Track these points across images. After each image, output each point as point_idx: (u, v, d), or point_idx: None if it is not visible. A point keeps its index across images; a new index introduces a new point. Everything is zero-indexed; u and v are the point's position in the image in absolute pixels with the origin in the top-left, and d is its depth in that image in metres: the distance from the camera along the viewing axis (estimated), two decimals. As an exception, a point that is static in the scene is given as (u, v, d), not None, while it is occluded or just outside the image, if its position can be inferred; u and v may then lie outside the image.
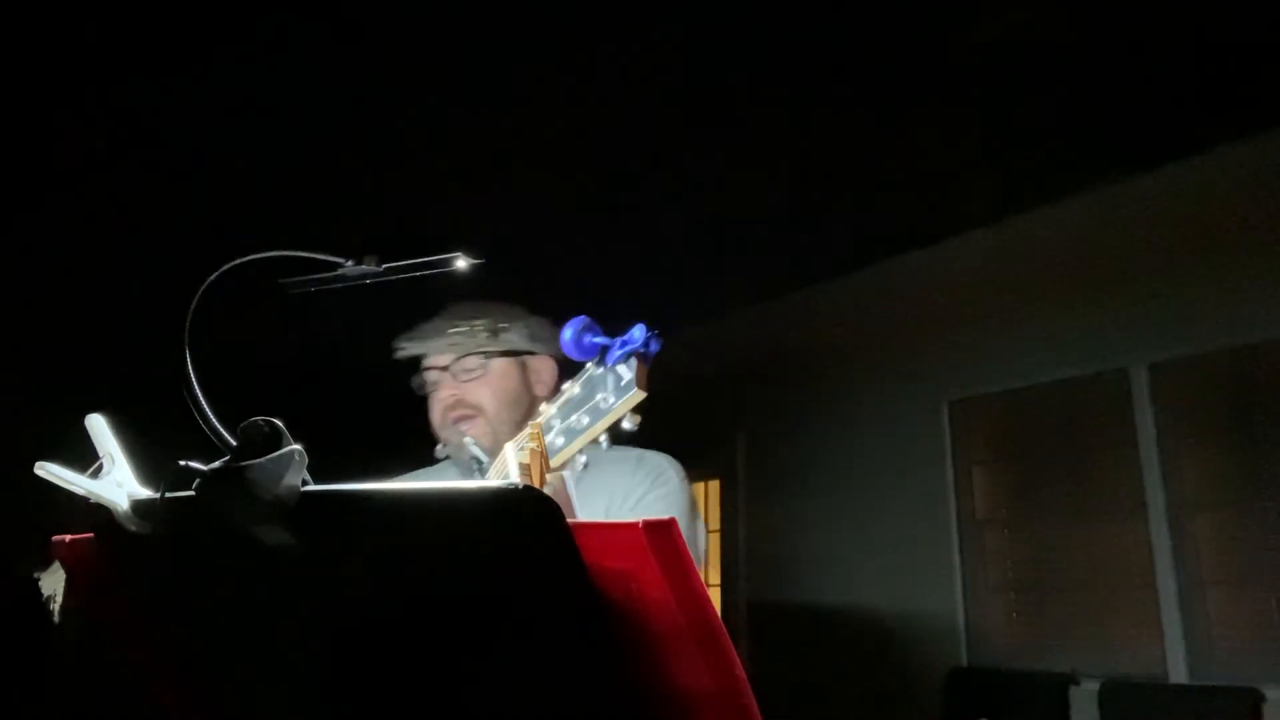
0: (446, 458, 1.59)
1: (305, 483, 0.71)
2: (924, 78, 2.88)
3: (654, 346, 1.03)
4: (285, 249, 1.03)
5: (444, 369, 1.58)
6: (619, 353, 1.04)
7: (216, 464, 0.71)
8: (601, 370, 1.07)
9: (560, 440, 1.14)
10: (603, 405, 1.07)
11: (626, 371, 1.04)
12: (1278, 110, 3.10)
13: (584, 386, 1.10)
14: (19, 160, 3.14)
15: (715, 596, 5.19)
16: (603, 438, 1.10)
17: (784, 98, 2.99)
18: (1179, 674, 3.36)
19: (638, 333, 1.04)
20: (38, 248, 3.77)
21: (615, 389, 1.06)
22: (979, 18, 2.58)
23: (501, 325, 1.57)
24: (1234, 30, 2.68)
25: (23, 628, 2.82)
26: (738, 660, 0.69)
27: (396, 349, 1.64)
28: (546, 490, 1.02)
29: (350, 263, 1.07)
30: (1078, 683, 3.55)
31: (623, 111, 3.03)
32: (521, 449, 1.25)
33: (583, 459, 1.15)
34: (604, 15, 2.54)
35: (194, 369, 0.87)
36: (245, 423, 0.72)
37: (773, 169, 3.46)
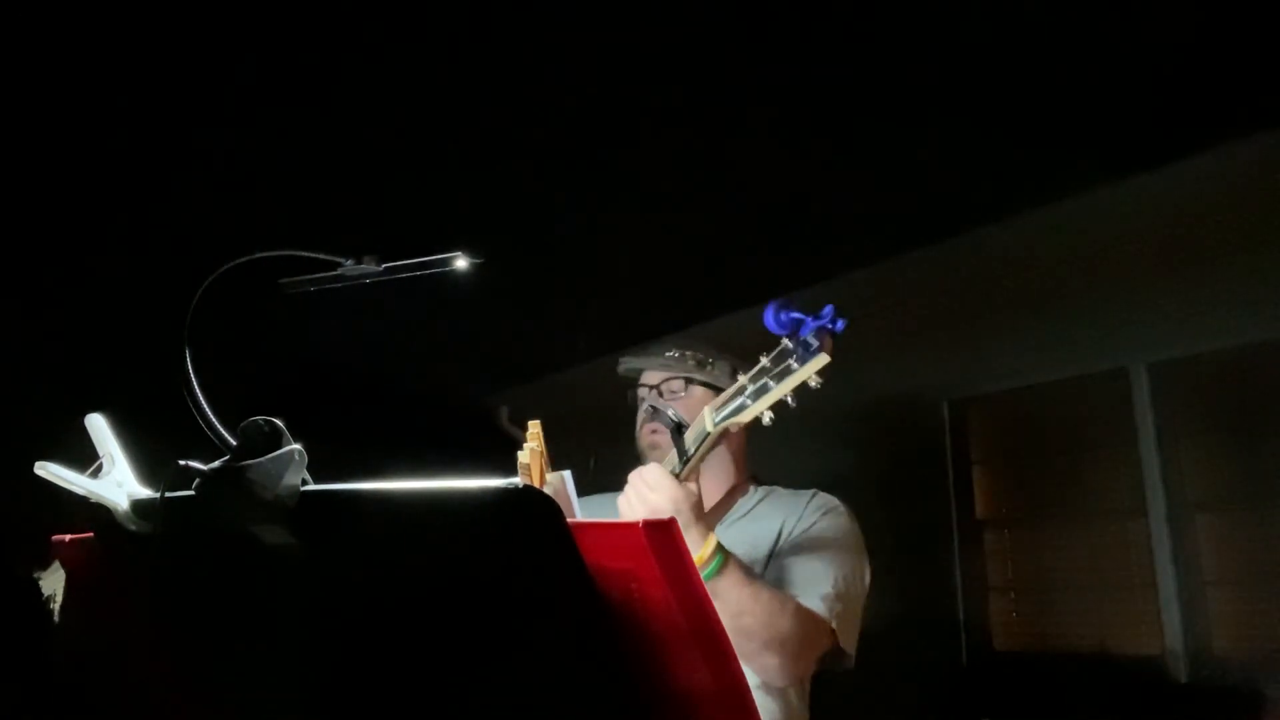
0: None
1: (305, 482, 0.71)
2: (924, 77, 2.88)
3: (840, 324, 1.22)
4: (285, 249, 1.04)
5: (653, 388, 1.81)
6: (812, 325, 1.22)
7: (216, 464, 0.71)
8: (793, 342, 1.24)
9: (750, 401, 1.31)
10: (793, 368, 1.24)
11: (815, 340, 1.21)
12: (1277, 110, 3.10)
13: (775, 358, 1.28)
14: (18, 160, 3.14)
15: (715, 596, 5.17)
16: (789, 397, 1.28)
17: (783, 97, 2.99)
18: (1179, 674, 3.36)
19: (827, 310, 1.23)
20: (38, 248, 3.77)
21: (803, 355, 1.23)
22: (978, 16, 2.58)
23: (709, 360, 1.81)
24: (1234, 30, 2.67)
25: (23, 628, 2.82)
26: (738, 660, 0.69)
27: (619, 363, 1.90)
28: (546, 490, 1.03)
29: (350, 263, 1.07)
30: (1078, 683, 3.55)
31: (622, 110, 3.03)
32: (525, 449, 1.28)
33: (769, 416, 1.32)
34: (604, 13, 2.54)
35: (194, 369, 0.87)
36: (245, 423, 0.72)
37: (771, 168, 3.46)
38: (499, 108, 3.02)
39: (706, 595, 0.67)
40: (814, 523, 1.69)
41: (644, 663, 0.67)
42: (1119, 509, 3.65)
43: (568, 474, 1.40)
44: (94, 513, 0.77)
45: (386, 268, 1.08)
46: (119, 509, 0.76)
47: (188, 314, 0.92)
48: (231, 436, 0.74)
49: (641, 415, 1.79)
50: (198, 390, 0.85)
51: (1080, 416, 3.83)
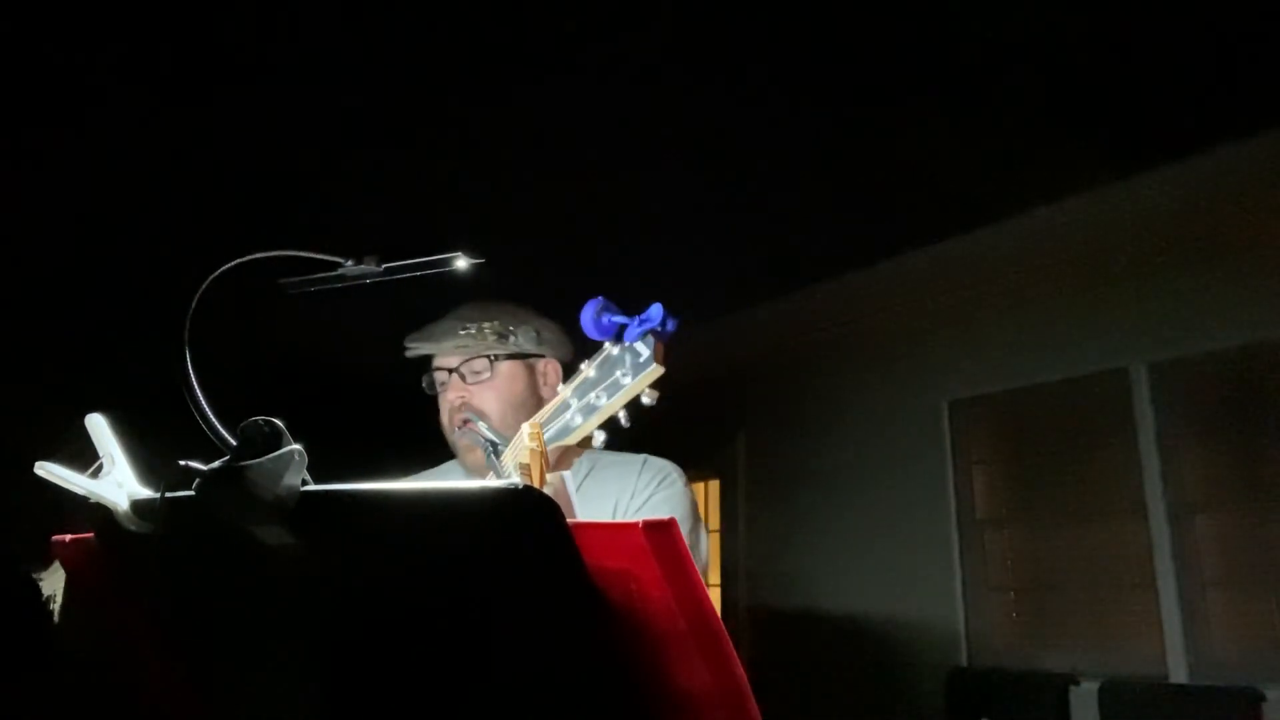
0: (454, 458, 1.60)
1: (305, 483, 0.71)
2: (924, 79, 2.88)
3: (671, 325, 1.06)
4: (285, 249, 1.03)
5: (452, 370, 1.58)
6: (637, 330, 1.07)
7: (216, 464, 0.71)
8: (619, 350, 1.09)
9: (578, 419, 1.16)
10: (622, 381, 1.09)
11: (644, 349, 1.06)
12: (1276, 111, 3.10)
13: (600, 367, 1.13)
14: (18, 160, 3.14)
15: (715, 597, 5.19)
16: (622, 414, 1.12)
17: (784, 98, 2.99)
18: (1179, 674, 3.36)
19: (655, 311, 1.07)
20: (38, 247, 3.77)
21: (633, 366, 1.08)
22: (978, 17, 2.58)
23: (509, 328, 1.58)
24: (1234, 30, 2.67)
25: (23, 628, 2.82)
26: (737, 660, 0.69)
27: (406, 348, 1.65)
28: (546, 490, 1.03)
29: (350, 263, 1.07)
30: (1078, 683, 3.55)
31: (622, 109, 3.03)
32: (522, 449, 1.26)
33: (601, 436, 1.17)
34: (606, 12, 2.54)
35: (194, 369, 0.87)
36: (245, 423, 0.72)
37: (772, 168, 3.46)
38: (499, 107, 3.01)
39: (706, 595, 0.67)
40: (649, 497, 1.54)
41: (644, 663, 0.67)
42: (1119, 509, 3.65)
43: (568, 474, 1.39)
44: (94, 513, 0.77)
45: (386, 268, 1.08)
46: (119, 509, 0.76)
47: (188, 314, 0.92)
48: (231, 436, 0.74)
49: (446, 400, 1.59)
50: (198, 390, 0.85)
51: (1080, 416, 3.83)
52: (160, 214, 3.55)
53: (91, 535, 0.83)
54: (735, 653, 0.69)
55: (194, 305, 0.94)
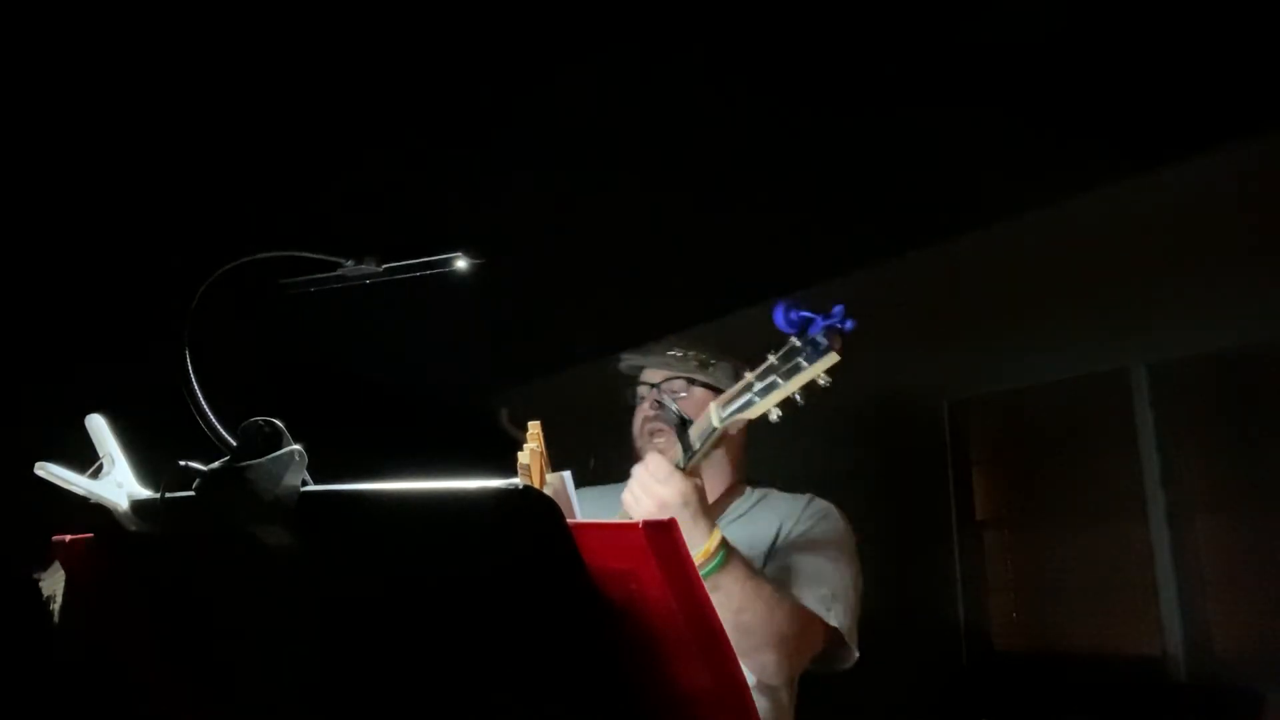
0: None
1: (305, 483, 0.71)
2: (922, 79, 2.87)
3: (849, 324, 1.24)
4: (285, 249, 1.04)
5: (654, 386, 1.80)
6: (821, 324, 1.24)
7: (216, 464, 0.71)
8: (801, 341, 1.25)
9: (759, 397, 1.31)
10: (801, 365, 1.25)
11: (824, 339, 1.23)
12: (1276, 110, 3.10)
13: (783, 355, 1.29)
14: (18, 160, 3.14)
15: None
16: (798, 395, 1.29)
17: (784, 98, 2.99)
18: (1179, 674, 3.35)
19: (837, 310, 1.24)
20: (38, 247, 3.77)
21: (813, 353, 1.24)
22: (976, 18, 2.58)
23: (712, 361, 1.79)
24: (1234, 30, 2.67)
25: (23, 628, 2.82)
26: (737, 661, 0.69)
27: (620, 359, 1.91)
28: (546, 490, 1.03)
29: (350, 263, 1.07)
30: (1078, 683, 3.55)
31: (622, 108, 3.03)
32: (525, 449, 1.27)
33: (776, 413, 1.33)
34: (609, 12, 2.54)
35: (194, 369, 0.87)
36: (245, 423, 0.72)
37: (771, 169, 3.46)
38: (499, 107, 3.02)
39: (706, 595, 0.67)
40: (811, 525, 1.70)
41: (644, 663, 0.67)
42: (1119, 509, 3.65)
43: (568, 474, 1.40)
44: (94, 513, 0.77)
45: (386, 268, 1.08)
46: (119, 509, 0.76)
47: (188, 314, 0.92)
48: (231, 437, 0.74)
49: (642, 411, 1.79)
50: (198, 390, 0.85)
51: (1080, 416, 3.83)
52: (160, 214, 3.55)
53: (91, 535, 0.83)
54: (735, 653, 0.69)
55: (194, 305, 0.94)
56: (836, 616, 1.59)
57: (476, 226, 3.60)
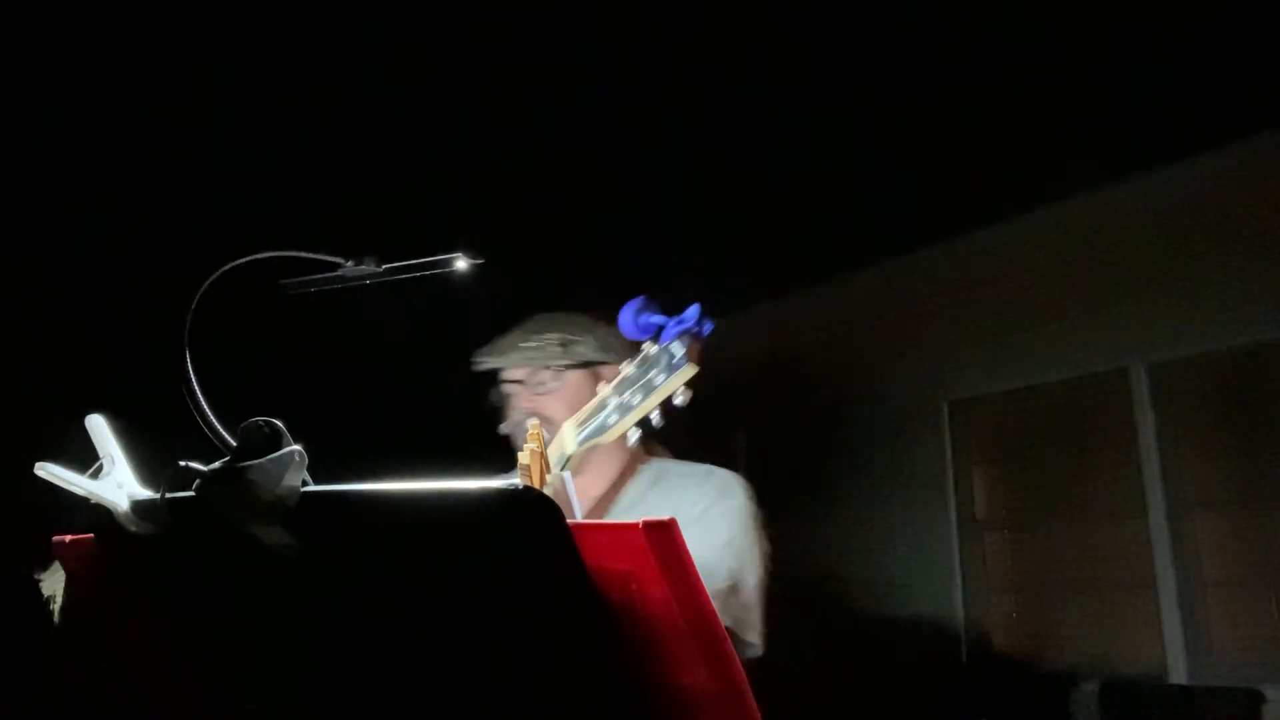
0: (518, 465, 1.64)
1: (305, 483, 0.71)
2: (925, 80, 2.88)
3: (707, 326, 1.08)
4: (285, 249, 1.03)
5: (519, 382, 1.62)
6: (674, 330, 1.09)
7: (216, 465, 0.71)
8: (656, 349, 1.11)
9: (614, 417, 1.19)
10: (656, 381, 1.11)
11: (679, 348, 1.08)
12: (1277, 110, 3.10)
13: (639, 366, 1.15)
14: (17, 159, 3.14)
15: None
16: (655, 414, 1.14)
17: (784, 98, 2.99)
18: (1179, 674, 3.35)
19: (691, 312, 1.09)
20: (38, 248, 3.77)
21: (668, 366, 1.10)
22: (978, 18, 2.58)
23: (571, 338, 1.61)
24: (1234, 30, 2.67)
25: (23, 628, 2.82)
26: (737, 660, 0.69)
27: (473, 362, 1.70)
28: (546, 490, 1.03)
29: (350, 263, 1.07)
30: (1078, 683, 3.55)
31: (622, 107, 3.03)
32: (525, 449, 1.26)
33: (636, 434, 1.19)
34: (608, 14, 2.54)
35: (194, 369, 0.87)
36: (245, 423, 0.72)
37: (772, 169, 3.46)
38: (498, 107, 3.02)
39: (706, 595, 0.67)
40: (707, 508, 1.55)
41: (644, 663, 0.67)
42: (1119, 509, 3.65)
43: (568, 474, 1.39)
44: (94, 513, 0.77)
45: (386, 268, 1.08)
46: (119, 510, 0.76)
47: (188, 314, 0.92)
48: (231, 437, 0.74)
49: (512, 430, 1.63)
50: (198, 390, 0.85)
51: (1080, 416, 3.83)
52: (161, 214, 3.55)
53: (91, 535, 0.83)
54: (735, 653, 0.69)
55: (195, 305, 0.94)
56: (730, 613, 1.44)
57: (476, 226, 3.60)
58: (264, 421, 0.71)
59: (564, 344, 1.60)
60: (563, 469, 1.29)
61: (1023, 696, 3.66)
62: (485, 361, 1.68)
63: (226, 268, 0.97)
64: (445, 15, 2.55)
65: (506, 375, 1.65)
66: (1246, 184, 3.33)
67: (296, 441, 0.71)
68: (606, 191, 3.53)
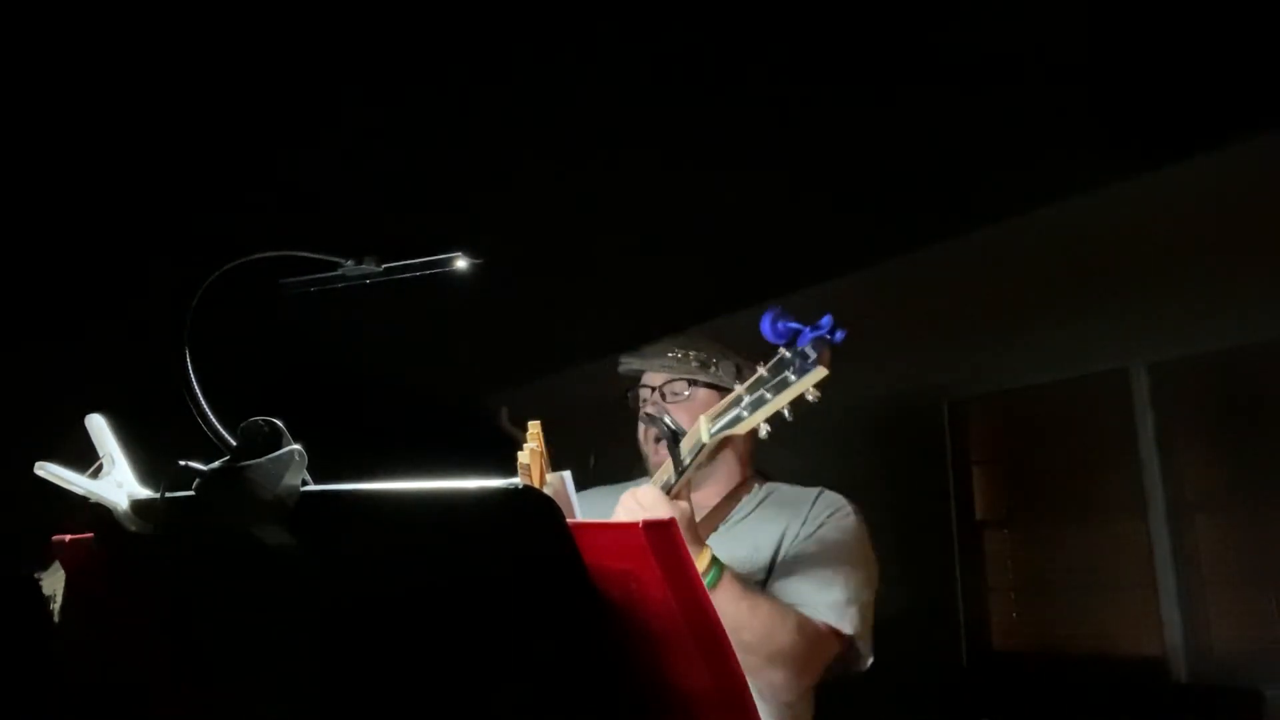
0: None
1: (305, 483, 0.71)
2: (924, 79, 2.87)
3: (839, 335, 1.20)
4: (285, 249, 1.04)
5: (655, 389, 1.78)
6: (809, 336, 1.19)
7: (216, 464, 0.71)
8: (790, 353, 1.21)
9: (747, 412, 1.28)
10: (789, 380, 1.22)
11: (812, 352, 1.19)
12: (1277, 110, 3.09)
13: (772, 368, 1.25)
14: (17, 160, 3.14)
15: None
16: (786, 410, 1.25)
17: (784, 97, 2.99)
18: (1179, 674, 3.36)
19: (826, 320, 1.20)
20: (38, 248, 3.77)
21: (801, 367, 1.20)
22: (979, 17, 2.57)
23: (712, 359, 1.76)
24: (1234, 30, 2.67)
25: (23, 628, 2.82)
26: (738, 660, 0.69)
27: (620, 363, 1.87)
28: (546, 490, 1.03)
29: (350, 263, 1.07)
30: (1078, 683, 3.55)
31: (621, 109, 3.03)
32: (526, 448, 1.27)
33: (765, 429, 1.30)
34: (608, 11, 2.54)
35: (194, 369, 0.87)
36: (245, 423, 0.72)
37: (771, 168, 3.46)
38: (499, 107, 3.01)
39: (706, 595, 0.67)
40: (819, 525, 1.65)
41: (644, 663, 0.67)
42: (1119, 509, 3.65)
43: (568, 474, 1.39)
44: (94, 513, 0.77)
45: (386, 268, 1.08)
46: (119, 509, 0.76)
47: (188, 314, 0.92)
48: (231, 437, 0.74)
49: (640, 422, 1.77)
50: (198, 390, 0.85)
51: (1080, 416, 3.83)
52: (161, 214, 3.55)
53: (91, 535, 0.83)
54: (735, 653, 0.69)
55: (195, 305, 0.94)
56: (851, 623, 1.54)
57: (476, 226, 3.60)
58: (264, 421, 0.71)
59: (703, 363, 1.76)
60: (694, 459, 1.37)
61: (1023, 696, 3.66)
62: (630, 364, 1.84)
63: (226, 267, 0.97)
64: (445, 15, 2.55)
65: (645, 380, 1.81)
66: (1247, 184, 3.33)
67: (296, 441, 0.71)
68: (606, 190, 3.53)
